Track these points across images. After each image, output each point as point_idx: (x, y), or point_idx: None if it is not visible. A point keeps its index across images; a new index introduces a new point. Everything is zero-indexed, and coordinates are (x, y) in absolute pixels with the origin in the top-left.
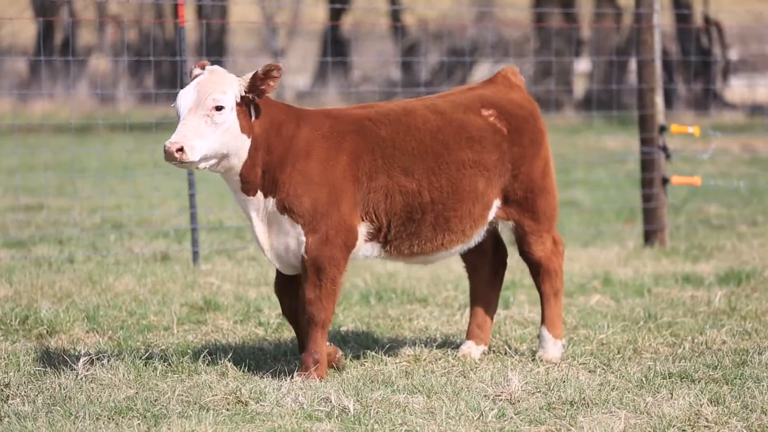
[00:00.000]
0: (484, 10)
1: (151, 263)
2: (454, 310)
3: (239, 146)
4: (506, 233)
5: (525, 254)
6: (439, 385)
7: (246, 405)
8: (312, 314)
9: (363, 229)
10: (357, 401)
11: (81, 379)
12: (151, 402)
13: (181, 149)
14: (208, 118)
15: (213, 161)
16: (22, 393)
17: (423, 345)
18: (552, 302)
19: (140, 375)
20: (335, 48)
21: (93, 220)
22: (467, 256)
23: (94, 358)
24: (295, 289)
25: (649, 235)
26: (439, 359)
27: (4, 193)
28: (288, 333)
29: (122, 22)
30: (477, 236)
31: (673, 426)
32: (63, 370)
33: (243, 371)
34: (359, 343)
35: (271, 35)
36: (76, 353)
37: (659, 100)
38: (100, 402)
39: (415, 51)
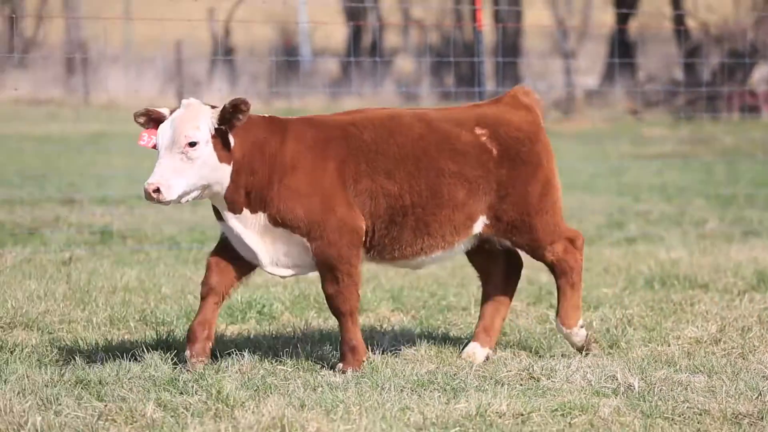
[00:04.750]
0: (763, 15)
1: None
2: (733, 295)
3: (219, 176)
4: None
5: (536, 259)
6: (720, 366)
7: (538, 381)
8: (337, 307)
9: None
10: (642, 379)
11: (386, 353)
12: (450, 376)
13: (157, 190)
14: (184, 155)
15: (195, 194)
16: (333, 365)
17: (704, 328)
18: (568, 294)
19: (440, 351)
20: (622, 50)
21: None
22: (480, 264)
23: (398, 334)
24: (230, 271)
25: None
26: (720, 341)
27: None
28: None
29: (425, 26)
30: (459, 245)
31: None
32: (370, 345)
33: (534, 349)
34: (644, 326)
35: (563, 38)
36: (382, 330)
37: None
38: (404, 375)
39: (698, 53)
